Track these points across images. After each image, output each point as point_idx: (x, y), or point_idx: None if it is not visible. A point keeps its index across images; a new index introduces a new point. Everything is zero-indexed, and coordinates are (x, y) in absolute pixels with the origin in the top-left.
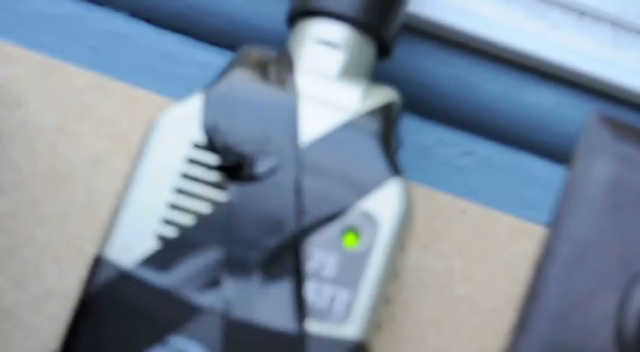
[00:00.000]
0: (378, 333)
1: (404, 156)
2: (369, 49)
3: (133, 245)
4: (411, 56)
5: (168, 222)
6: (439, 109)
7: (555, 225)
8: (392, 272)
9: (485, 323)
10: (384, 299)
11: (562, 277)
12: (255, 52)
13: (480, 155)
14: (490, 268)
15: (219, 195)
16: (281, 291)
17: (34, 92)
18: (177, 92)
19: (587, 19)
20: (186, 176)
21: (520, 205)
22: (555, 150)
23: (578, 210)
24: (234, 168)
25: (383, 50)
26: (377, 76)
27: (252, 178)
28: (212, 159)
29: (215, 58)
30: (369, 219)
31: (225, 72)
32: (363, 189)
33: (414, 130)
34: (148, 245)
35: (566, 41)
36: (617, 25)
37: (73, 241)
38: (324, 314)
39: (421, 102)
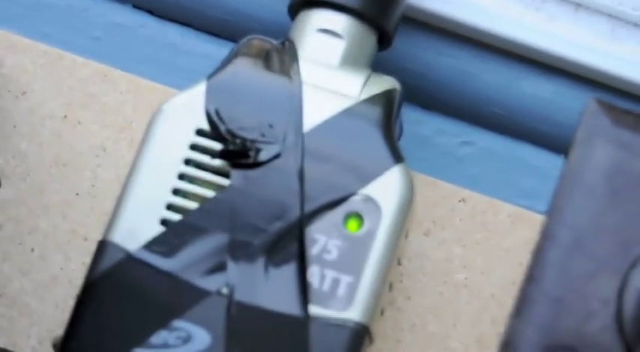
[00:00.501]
0: (379, 319)
1: (404, 146)
2: (369, 39)
3: (137, 229)
4: (411, 47)
5: (172, 207)
6: (439, 100)
7: (554, 209)
8: (395, 258)
9: (484, 310)
10: (387, 285)
11: (561, 261)
12: (258, 41)
13: (479, 145)
14: (490, 256)
15: (223, 181)
16: (284, 275)
17: (38, 81)
18: (180, 83)
19: (583, 11)
20: (190, 162)
21: (518, 194)
22: (553, 140)
23: (577, 195)
24: (238, 154)
25: (383, 40)
26: (377, 67)
27: (255, 164)
28: (215, 145)
29: (217, 49)
30: (372, 205)
31: (228, 60)
32: (366, 174)
33: (413, 120)
34: (153, 229)
35: (564, 33)
36: (614, 17)
37: (78, 229)
38: (328, 298)
39: (421, 93)
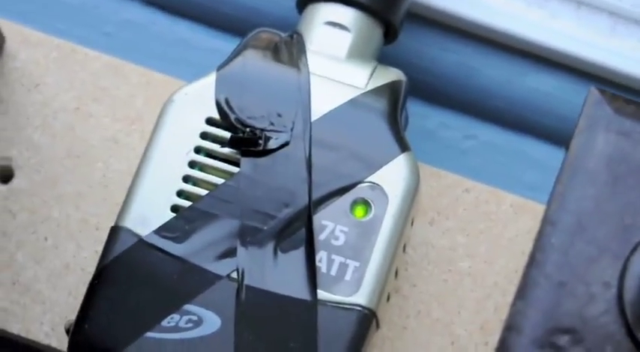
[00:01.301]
0: (385, 305)
1: (409, 139)
2: (376, 32)
3: (148, 215)
4: (416, 43)
5: (182, 194)
6: (443, 94)
7: (556, 196)
8: (401, 244)
9: (487, 298)
10: (393, 270)
11: (563, 246)
12: (266, 33)
13: (482, 138)
14: (493, 245)
15: (233, 169)
16: (293, 260)
17: (51, 74)
18: (190, 77)
19: (585, 8)
20: (201, 150)
21: (521, 186)
22: (555, 133)
23: (579, 182)
24: (247, 142)
25: (389, 33)
26: (384, 62)
27: (264, 152)
28: (225, 134)
29: (226, 44)
30: (379, 192)
31: (237, 52)
32: (373, 162)
33: (418, 114)
34: (164, 215)
35: (566, 29)
36: (614, 14)
37: (90, 218)
38: (335, 283)
39: (426, 87)
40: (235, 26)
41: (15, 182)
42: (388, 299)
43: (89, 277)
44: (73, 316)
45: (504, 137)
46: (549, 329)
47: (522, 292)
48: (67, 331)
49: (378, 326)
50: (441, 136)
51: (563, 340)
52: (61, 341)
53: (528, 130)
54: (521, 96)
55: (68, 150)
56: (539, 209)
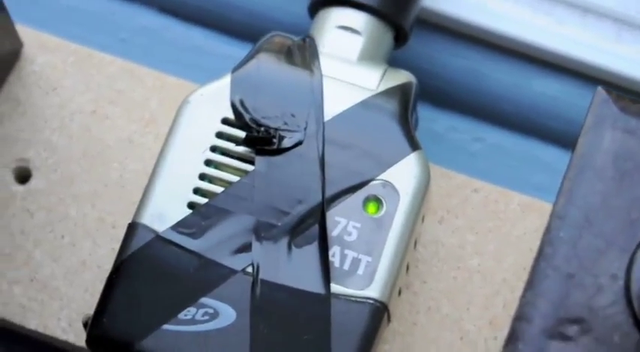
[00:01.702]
0: (397, 301)
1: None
2: (386, 36)
3: (165, 212)
4: (425, 48)
5: (198, 191)
6: (452, 98)
7: (565, 191)
8: (412, 239)
9: (496, 294)
10: (405, 265)
11: (572, 239)
12: (279, 37)
13: (490, 141)
14: (501, 243)
15: (248, 167)
16: (307, 255)
17: (68, 78)
18: (203, 82)
19: (591, 16)
20: (216, 149)
21: (528, 187)
22: (562, 136)
23: (586, 178)
24: (262, 140)
25: (400, 37)
26: (394, 66)
27: (278, 151)
28: (240, 133)
29: (239, 50)
30: (391, 189)
31: (251, 56)
32: (384, 161)
33: (427, 118)
34: (180, 212)
35: (572, 35)
36: (619, 20)
37: (106, 217)
38: (348, 277)
39: (435, 92)
40: (248, 33)
41: (33, 182)
42: (399, 293)
43: (106, 274)
44: (90, 312)
45: (512, 140)
46: (558, 320)
47: (532, 284)
48: (85, 325)
49: (389, 319)
50: (450, 139)
51: (572, 330)
52: (79, 336)
53: (536, 133)
54: (528, 100)
55: (84, 150)
56: (547, 208)
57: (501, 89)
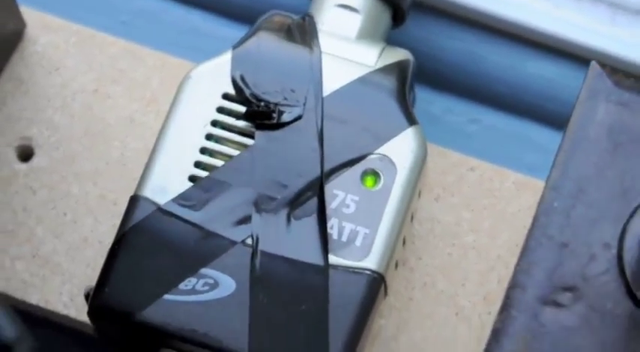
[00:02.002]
0: (393, 276)
1: None
2: (384, 14)
3: (167, 185)
4: (422, 31)
5: (199, 165)
6: (448, 80)
7: (559, 163)
8: (409, 213)
9: (491, 270)
10: (401, 238)
11: (565, 209)
12: (279, 16)
13: (485, 122)
14: (496, 220)
15: (248, 141)
16: (306, 227)
17: (71, 58)
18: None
19: (586, 1)
20: (217, 123)
21: (523, 167)
22: (556, 118)
23: (580, 150)
24: (262, 115)
25: (397, 17)
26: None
27: (277, 125)
28: (241, 108)
29: (238, 32)
30: (388, 163)
31: (251, 33)
32: (382, 135)
33: (424, 100)
34: (181, 185)
35: (567, 17)
36: (614, 4)
37: (107, 194)
38: (346, 248)
39: (431, 74)
40: (247, 15)
41: (35, 160)
42: (396, 267)
43: (107, 249)
44: (91, 285)
45: (507, 121)
46: (552, 287)
47: (526, 252)
48: (87, 296)
49: (386, 292)
50: (447, 120)
51: (565, 297)
52: (80, 310)
53: (530, 114)
54: (523, 82)
55: (86, 129)
56: (541, 186)
57: (497, 71)
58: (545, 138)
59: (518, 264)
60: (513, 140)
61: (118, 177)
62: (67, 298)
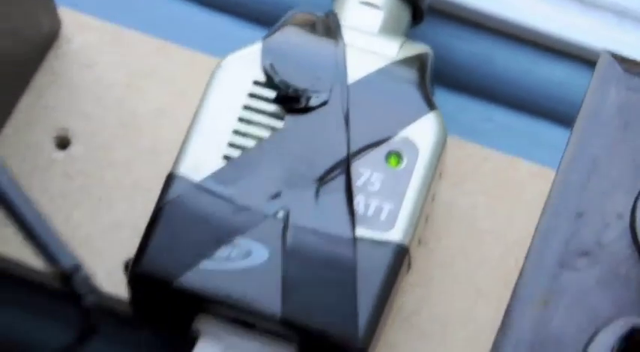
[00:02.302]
0: (416, 253)
1: None
2: (404, 12)
3: (202, 163)
4: (436, 35)
5: (232, 145)
6: (462, 81)
7: (572, 143)
8: (431, 192)
9: (507, 253)
10: (424, 216)
11: (581, 181)
12: (303, 14)
13: (499, 121)
14: (512, 206)
15: (278, 124)
16: (334, 202)
17: (104, 55)
18: None
19: (592, 8)
20: (249, 108)
21: (535, 162)
22: (565, 117)
23: (593, 128)
24: (291, 99)
25: (416, 16)
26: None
27: (306, 109)
28: (271, 93)
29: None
30: (410, 145)
31: (277, 28)
32: (404, 119)
33: (439, 99)
34: (215, 164)
35: (575, 22)
36: (620, 12)
37: (140, 182)
38: (372, 222)
39: (446, 75)
40: (273, 19)
41: (72, 149)
42: (419, 243)
43: (141, 232)
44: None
45: (520, 120)
46: (569, 253)
47: (544, 221)
48: (126, 267)
49: (409, 266)
50: (461, 118)
51: (581, 263)
52: (117, 286)
53: (542, 114)
54: (535, 84)
55: (120, 120)
56: (553, 175)
57: (509, 73)
58: (556, 136)
59: (535, 231)
60: (526, 138)
61: (150, 166)
62: (104, 274)
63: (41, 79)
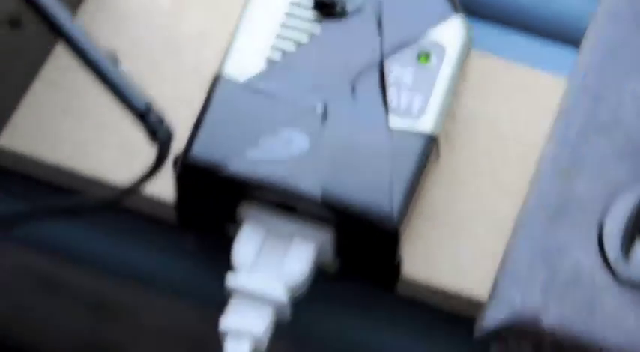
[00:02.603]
0: (445, 139)
1: None
2: None
3: (246, 66)
4: None
5: (274, 48)
6: (481, 9)
7: (588, 35)
8: (456, 89)
9: (530, 152)
10: (452, 111)
11: (597, 66)
12: None
13: (518, 47)
14: (532, 113)
15: (316, 30)
16: (369, 95)
17: None
18: None
19: None
20: (289, 14)
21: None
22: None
23: (604, 23)
24: (327, 6)
25: None
26: None
27: (341, 14)
28: (309, 2)
29: None
30: (437, 45)
31: None
32: (432, 22)
33: None
34: (258, 66)
35: None
36: None
37: (184, 95)
38: (404, 113)
39: (465, 3)
40: None
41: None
42: (447, 138)
43: (186, 135)
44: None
45: (540, 46)
46: (588, 126)
47: (565, 100)
48: (175, 162)
49: (438, 154)
50: (480, 42)
51: (600, 136)
52: (162, 191)
53: (562, 40)
54: (552, 12)
55: (164, 41)
56: None
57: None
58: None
59: (559, 108)
60: (544, 62)
61: (194, 83)
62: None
63: (90, 7)
